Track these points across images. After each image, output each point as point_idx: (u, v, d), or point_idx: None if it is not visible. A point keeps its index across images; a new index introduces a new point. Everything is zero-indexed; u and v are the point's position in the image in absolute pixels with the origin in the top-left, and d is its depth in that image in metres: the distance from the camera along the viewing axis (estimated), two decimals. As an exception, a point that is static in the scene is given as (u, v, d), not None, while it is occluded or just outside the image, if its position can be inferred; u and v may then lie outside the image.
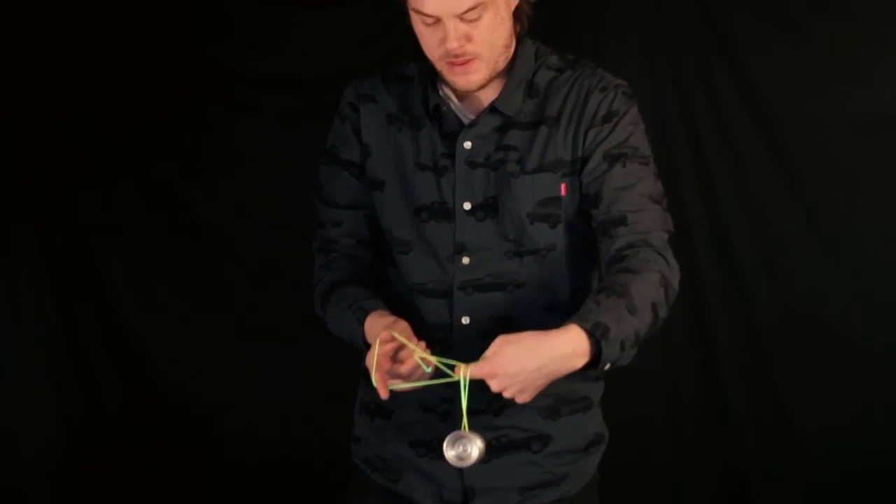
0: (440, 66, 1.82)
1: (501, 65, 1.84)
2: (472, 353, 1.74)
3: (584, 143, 1.85)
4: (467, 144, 1.87)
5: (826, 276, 3.09)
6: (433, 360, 1.68)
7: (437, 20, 1.75)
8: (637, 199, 1.81)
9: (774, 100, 3.06)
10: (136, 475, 3.28)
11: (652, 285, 1.73)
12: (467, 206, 1.87)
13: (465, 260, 1.87)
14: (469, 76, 1.81)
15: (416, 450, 1.95)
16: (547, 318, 1.81)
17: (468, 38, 1.76)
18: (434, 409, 1.92)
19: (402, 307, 1.91)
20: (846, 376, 3.10)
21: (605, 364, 1.66)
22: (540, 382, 1.62)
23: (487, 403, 1.89)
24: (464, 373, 1.63)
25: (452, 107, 1.89)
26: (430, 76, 1.89)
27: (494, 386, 1.61)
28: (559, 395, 1.91)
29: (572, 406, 1.95)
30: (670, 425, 3.21)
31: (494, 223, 1.86)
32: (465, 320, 1.88)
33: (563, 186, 1.84)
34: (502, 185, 1.86)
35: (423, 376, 1.70)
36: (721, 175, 3.10)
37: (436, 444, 1.89)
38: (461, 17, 1.74)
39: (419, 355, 1.68)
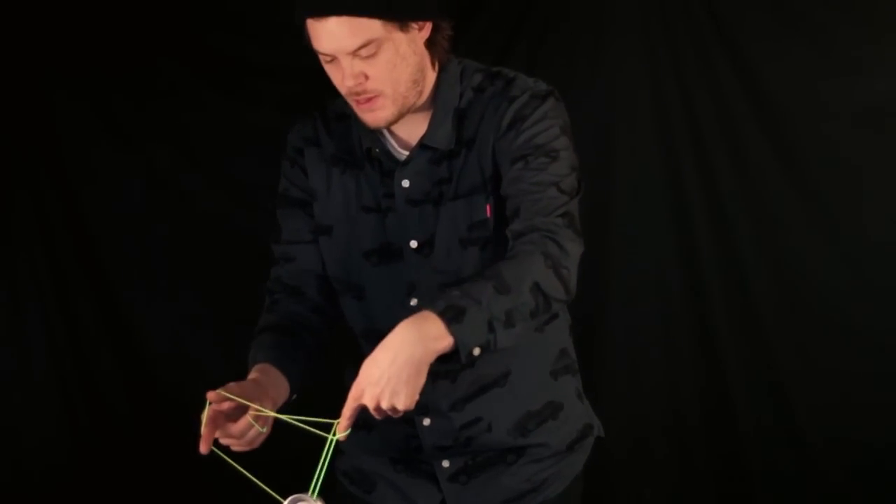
0: (349, 101, 1.79)
1: (412, 100, 1.79)
2: (428, 394, 1.70)
3: (494, 158, 1.80)
4: (405, 183, 1.83)
5: (827, 268, 3.09)
6: (288, 419, 1.63)
7: (334, 58, 1.72)
8: (530, 187, 1.74)
9: (777, 91, 3.05)
10: (137, 471, 3.29)
11: (530, 266, 1.64)
12: (414, 244, 1.83)
13: (414, 301, 1.84)
14: (375, 113, 1.76)
15: (394, 465, 1.94)
16: None
17: (366, 76, 1.72)
18: (407, 445, 1.91)
19: (356, 345, 1.90)
20: (847, 368, 3.10)
21: (469, 348, 1.57)
22: (405, 374, 1.54)
23: (454, 438, 1.88)
24: (337, 427, 1.58)
25: (388, 145, 1.85)
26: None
27: (369, 402, 1.54)
28: (521, 412, 1.89)
29: (536, 419, 1.91)
30: (671, 418, 3.21)
31: (433, 257, 1.83)
32: None
33: (487, 208, 1.81)
34: (440, 218, 1.83)
35: (257, 436, 1.65)
36: (723, 167, 3.10)
37: (415, 465, 1.91)
38: (354, 54, 1.70)
39: (253, 413, 1.62)
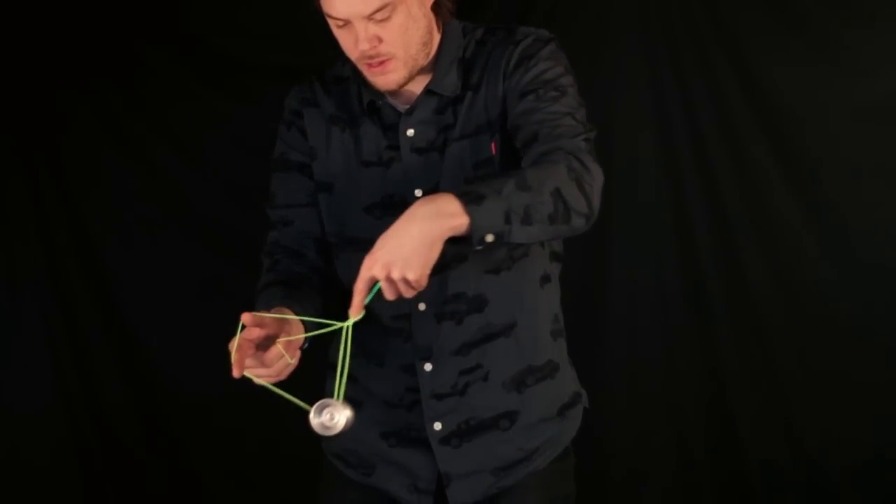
0: (360, 67, 1.83)
1: (422, 62, 1.84)
2: (432, 338, 1.81)
3: (503, 96, 1.85)
4: (410, 132, 1.88)
5: (828, 270, 3.10)
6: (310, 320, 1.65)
7: (348, 22, 1.75)
8: (547, 116, 1.78)
9: (777, 91, 3.06)
10: (137, 470, 3.29)
11: (553, 172, 1.67)
12: (419, 192, 1.87)
13: None
14: (387, 76, 1.81)
15: (387, 440, 1.96)
16: (493, 281, 1.87)
17: (380, 39, 1.76)
18: (400, 402, 1.93)
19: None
20: (847, 369, 3.11)
21: (484, 232, 1.59)
22: (419, 244, 1.55)
23: (452, 385, 1.90)
24: (351, 314, 1.59)
25: (389, 99, 1.89)
26: (362, 74, 1.88)
27: (380, 271, 1.55)
28: (522, 365, 1.92)
29: (537, 374, 1.95)
30: (670, 418, 3.22)
31: None
32: (422, 306, 1.89)
33: (493, 146, 1.85)
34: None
35: (285, 367, 1.66)
36: (723, 167, 3.11)
37: (405, 432, 1.93)
38: (370, 18, 1.74)
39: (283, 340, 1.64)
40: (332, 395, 1.93)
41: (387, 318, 1.92)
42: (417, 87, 1.88)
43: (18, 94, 3.14)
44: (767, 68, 3.06)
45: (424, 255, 1.56)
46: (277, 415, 3.24)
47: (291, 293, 1.82)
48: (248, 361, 1.62)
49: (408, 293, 1.58)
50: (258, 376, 1.65)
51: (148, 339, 3.27)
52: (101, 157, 3.20)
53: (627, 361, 3.20)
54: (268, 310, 1.69)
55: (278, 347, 1.64)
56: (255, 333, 1.63)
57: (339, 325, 1.64)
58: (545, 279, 1.96)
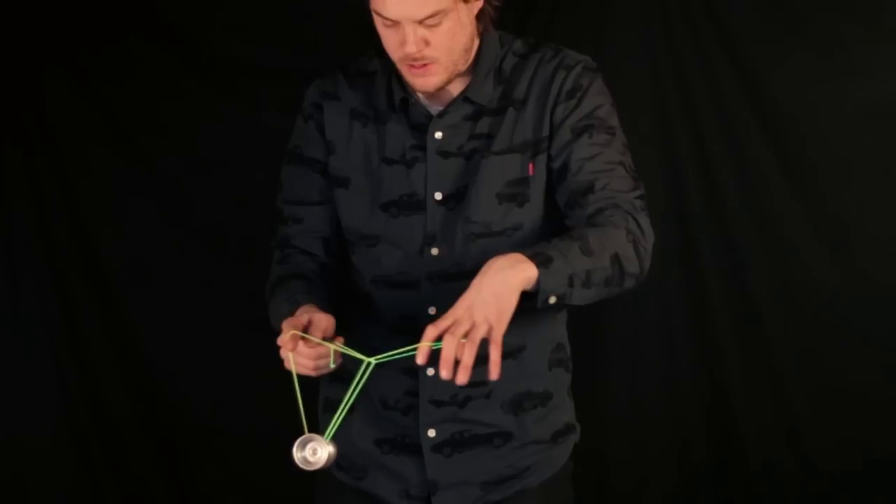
0: (400, 66, 1.83)
1: (461, 67, 1.85)
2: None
3: (551, 121, 1.86)
4: (438, 135, 1.87)
5: (828, 269, 3.10)
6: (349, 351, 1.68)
7: (397, 23, 1.75)
8: (603, 166, 1.81)
9: (777, 93, 3.06)
10: (137, 469, 3.28)
11: (613, 236, 1.72)
12: (438, 196, 1.87)
13: (435, 251, 1.87)
14: (427, 78, 1.81)
15: (380, 447, 1.96)
16: None
17: (427, 43, 1.77)
18: (396, 404, 1.93)
19: (364, 300, 1.93)
20: (848, 369, 3.11)
21: (549, 293, 1.62)
22: (491, 298, 1.56)
23: (452, 395, 1.90)
24: (417, 357, 1.59)
25: (421, 100, 1.90)
26: (395, 70, 1.89)
27: (462, 315, 1.56)
28: (522, 389, 1.92)
29: (535, 401, 1.94)
30: (671, 419, 3.22)
31: (461, 208, 1.86)
32: (432, 311, 1.88)
33: (530, 167, 1.86)
34: (473, 171, 1.86)
35: (325, 367, 1.70)
36: (723, 169, 3.11)
37: (399, 439, 1.93)
38: (421, 22, 1.74)
39: (334, 347, 1.68)
40: (334, 398, 1.93)
41: (394, 318, 1.91)
42: (452, 90, 1.88)
43: (17, 93, 3.13)
44: (768, 69, 3.05)
45: (506, 299, 1.58)
46: (279, 418, 3.27)
47: (312, 289, 1.85)
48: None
49: (491, 342, 1.57)
50: (297, 364, 1.69)
51: (149, 342, 3.26)
52: (103, 159, 3.19)
53: (627, 365, 3.19)
54: (294, 305, 1.76)
55: (328, 346, 1.68)
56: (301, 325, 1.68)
57: (364, 359, 1.65)
58: (558, 308, 1.91)
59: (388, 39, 1.80)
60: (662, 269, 3.16)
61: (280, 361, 1.68)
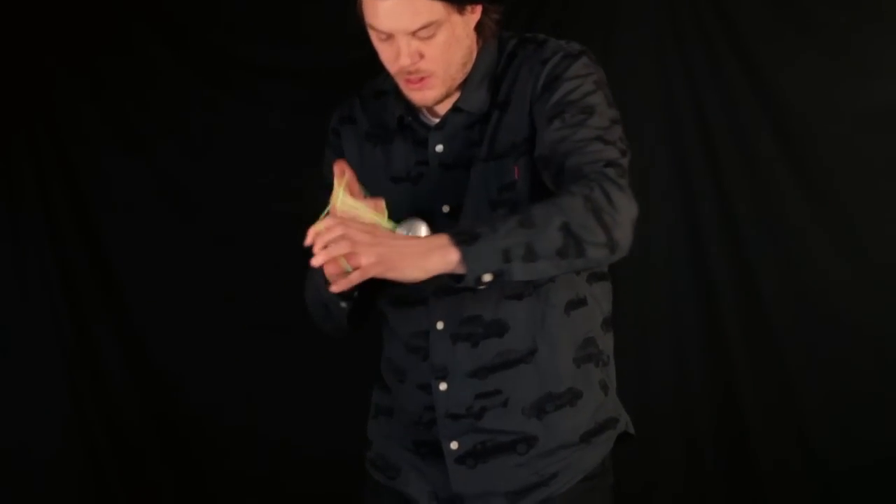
0: (398, 80, 1.82)
1: (459, 80, 1.83)
2: (447, 358, 1.81)
3: (530, 120, 1.82)
4: (439, 148, 1.87)
5: (837, 269, 3.09)
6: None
7: (391, 36, 1.74)
8: (573, 145, 1.74)
9: (787, 93, 3.05)
10: (141, 470, 3.28)
11: (565, 205, 1.63)
12: (446, 208, 1.86)
13: None
14: (425, 92, 1.80)
15: (418, 449, 1.95)
16: (514, 307, 1.84)
17: (421, 56, 1.75)
18: (420, 419, 1.92)
19: (383, 322, 1.95)
20: (855, 367, 3.09)
21: (479, 273, 1.57)
22: (388, 252, 1.54)
23: (467, 407, 1.87)
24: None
25: (421, 114, 1.89)
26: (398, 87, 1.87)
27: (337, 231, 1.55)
28: (542, 392, 1.89)
29: (557, 402, 1.90)
30: (679, 417, 3.21)
31: (462, 219, 1.84)
32: (440, 325, 1.87)
33: (515, 170, 1.83)
34: (473, 180, 1.85)
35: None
36: (733, 168, 3.10)
37: (431, 445, 1.91)
38: (414, 34, 1.73)
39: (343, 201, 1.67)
40: (379, 403, 2.00)
41: (407, 335, 1.91)
42: (451, 102, 1.87)
43: (25, 98, 3.14)
44: (778, 70, 3.05)
45: (400, 270, 1.55)
46: (289, 417, 3.27)
47: None
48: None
49: (344, 251, 1.55)
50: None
51: (155, 343, 3.27)
52: (111, 160, 3.21)
53: (636, 361, 3.18)
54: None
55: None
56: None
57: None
58: (575, 304, 1.91)
59: (384, 54, 1.79)
60: (672, 269, 3.16)
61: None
